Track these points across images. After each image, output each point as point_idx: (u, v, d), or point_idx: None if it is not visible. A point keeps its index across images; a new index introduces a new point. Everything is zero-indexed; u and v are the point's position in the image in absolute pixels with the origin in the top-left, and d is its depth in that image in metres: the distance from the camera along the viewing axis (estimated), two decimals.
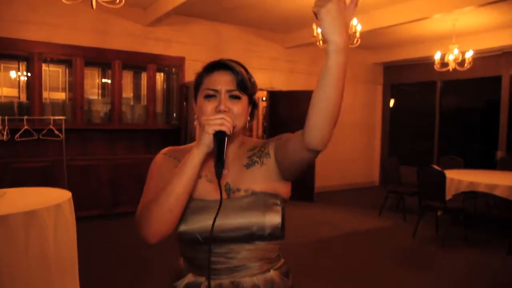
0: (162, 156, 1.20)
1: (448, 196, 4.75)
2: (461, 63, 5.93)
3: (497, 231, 5.34)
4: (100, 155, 5.84)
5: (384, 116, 9.30)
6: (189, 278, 1.16)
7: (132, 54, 5.88)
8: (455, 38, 6.07)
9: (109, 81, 5.93)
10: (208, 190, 1.13)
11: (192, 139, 5.82)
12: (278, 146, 1.15)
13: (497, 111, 7.17)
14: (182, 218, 1.08)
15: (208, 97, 1.11)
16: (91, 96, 5.97)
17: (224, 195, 1.09)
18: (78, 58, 5.43)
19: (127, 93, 6.27)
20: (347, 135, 8.71)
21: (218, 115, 1.03)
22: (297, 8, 5.85)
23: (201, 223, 1.08)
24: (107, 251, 4.33)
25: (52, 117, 4.93)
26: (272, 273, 1.16)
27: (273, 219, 1.10)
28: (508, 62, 6.97)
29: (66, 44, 5.39)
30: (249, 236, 1.09)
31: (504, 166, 6.17)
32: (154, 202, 1.03)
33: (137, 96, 6.42)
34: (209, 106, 1.10)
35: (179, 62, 6.20)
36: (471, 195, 5.21)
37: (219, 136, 1.01)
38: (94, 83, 6.14)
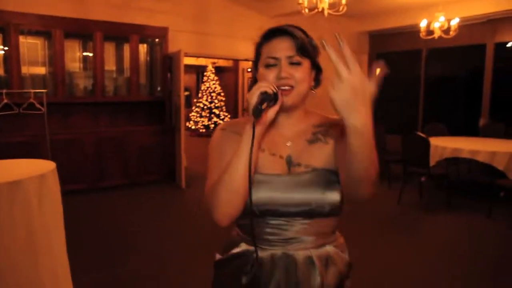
0: (220, 133, 1.17)
1: (432, 162, 4.83)
2: (447, 30, 5.91)
3: (479, 196, 5.48)
4: (83, 128, 5.74)
5: None
6: (242, 247, 1.17)
7: (113, 24, 5.71)
8: (442, 6, 6.03)
9: (91, 54, 5.78)
10: (269, 164, 1.11)
11: (176, 110, 5.75)
12: (338, 147, 1.12)
13: (481, 79, 7.22)
14: None
15: (268, 66, 1.10)
16: (72, 69, 5.82)
17: (285, 168, 1.11)
18: (57, 30, 5.26)
19: (110, 65, 6.12)
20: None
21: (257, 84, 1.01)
22: None
23: (259, 195, 1.06)
24: (92, 225, 4.32)
25: (32, 91, 4.81)
26: (327, 248, 1.15)
27: (333, 196, 1.08)
28: (493, 30, 6.97)
29: (44, 14, 5.19)
30: (307, 212, 1.08)
31: (486, 133, 6.26)
32: (218, 185, 1.02)
33: (119, 68, 6.28)
34: (271, 74, 1.08)
35: (163, 33, 6.05)
36: (454, 162, 5.30)
37: (262, 96, 0.99)
38: (75, 56, 5.97)
